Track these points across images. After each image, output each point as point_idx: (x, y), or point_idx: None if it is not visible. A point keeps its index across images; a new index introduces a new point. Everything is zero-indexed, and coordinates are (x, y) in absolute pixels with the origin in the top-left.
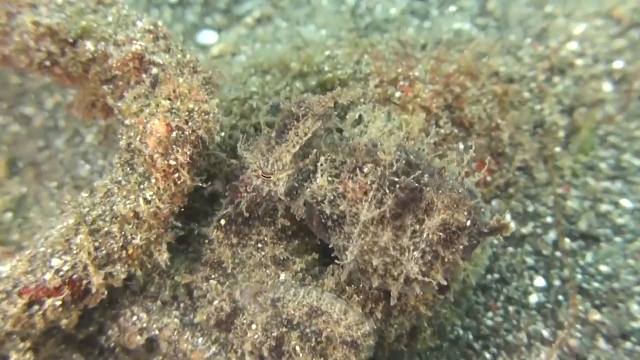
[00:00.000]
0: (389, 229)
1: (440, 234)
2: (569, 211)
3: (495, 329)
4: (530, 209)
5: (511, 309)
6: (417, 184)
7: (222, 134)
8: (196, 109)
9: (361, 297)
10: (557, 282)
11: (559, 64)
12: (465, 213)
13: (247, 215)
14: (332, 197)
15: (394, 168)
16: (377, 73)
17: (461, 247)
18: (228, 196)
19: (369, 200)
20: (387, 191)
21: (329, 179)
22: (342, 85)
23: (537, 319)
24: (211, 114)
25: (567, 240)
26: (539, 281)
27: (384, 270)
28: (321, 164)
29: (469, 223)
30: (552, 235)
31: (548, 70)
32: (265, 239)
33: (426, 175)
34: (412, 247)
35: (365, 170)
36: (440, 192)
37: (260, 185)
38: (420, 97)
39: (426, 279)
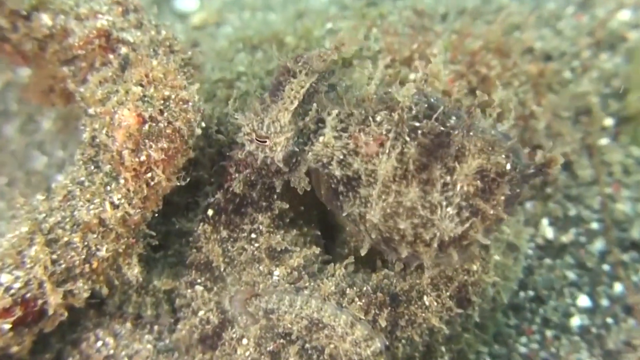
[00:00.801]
0: (415, 184)
1: (477, 183)
2: (619, 216)
3: (530, 358)
4: (572, 212)
5: (549, 333)
6: (442, 127)
7: (204, 124)
8: (173, 96)
9: (363, 301)
10: (604, 302)
11: (608, 37)
12: (504, 155)
13: (245, 194)
14: (341, 156)
15: (414, 112)
16: (388, 50)
17: (503, 197)
18: (215, 181)
19: (387, 152)
20: (408, 139)
21: (335, 134)
22: (346, 66)
23: (581, 347)
24: (191, 103)
25: (616, 250)
26: (583, 300)
27: (413, 235)
28: (325, 119)
29: (509, 167)
30: (598, 244)
31: (594, 46)
32: (261, 227)
33: (453, 117)
34: (444, 203)
35: (378, 118)
36: (471, 134)
37: (255, 152)
38: (439, 80)
39: (464, 242)
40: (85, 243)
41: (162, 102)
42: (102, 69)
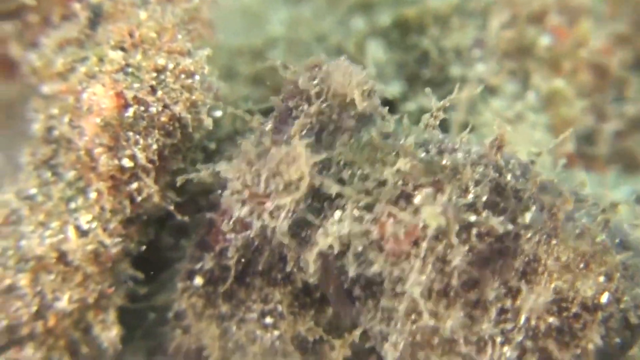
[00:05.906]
0: (459, 306)
1: (552, 319)
2: None
3: None
4: None
5: None
6: (511, 225)
7: (218, 113)
8: (171, 66)
9: None
10: None
11: None
12: (602, 278)
13: (249, 260)
14: (360, 248)
15: (470, 196)
16: (507, 1)
17: (592, 346)
18: (196, 235)
19: (422, 255)
20: (455, 240)
21: (356, 213)
22: (440, 25)
23: None
24: (197, 77)
25: None
26: None
27: None
28: (342, 196)
29: (606, 299)
30: None
31: None
32: (279, 307)
33: (533, 208)
34: (499, 339)
35: (418, 199)
36: (555, 241)
37: (247, 218)
38: (589, 48)
39: None
40: (37, 289)
41: (154, 75)
42: (62, 26)
